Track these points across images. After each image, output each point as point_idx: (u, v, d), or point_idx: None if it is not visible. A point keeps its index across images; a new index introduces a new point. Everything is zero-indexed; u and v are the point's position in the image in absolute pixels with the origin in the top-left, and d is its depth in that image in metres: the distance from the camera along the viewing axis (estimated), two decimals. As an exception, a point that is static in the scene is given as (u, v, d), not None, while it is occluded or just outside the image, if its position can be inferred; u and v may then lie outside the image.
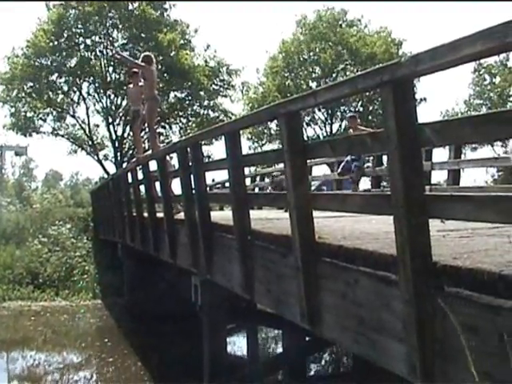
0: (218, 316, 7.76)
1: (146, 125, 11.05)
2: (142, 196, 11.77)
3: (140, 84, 11.19)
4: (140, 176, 11.54)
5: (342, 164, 11.40)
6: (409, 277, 3.32)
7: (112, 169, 33.01)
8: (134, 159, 11.80)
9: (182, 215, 8.61)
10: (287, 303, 5.23)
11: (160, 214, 10.21)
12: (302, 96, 4.22)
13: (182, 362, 10.50)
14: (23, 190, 61.65)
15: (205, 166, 7.35)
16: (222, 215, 7.39)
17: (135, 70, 11.31)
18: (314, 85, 36.29)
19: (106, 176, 32.48)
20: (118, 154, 31.75)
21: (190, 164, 7.55)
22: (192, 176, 7.43)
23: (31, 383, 10.98)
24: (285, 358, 10.65)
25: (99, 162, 33.00)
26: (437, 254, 3.45)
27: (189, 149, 7.51)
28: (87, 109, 31.60)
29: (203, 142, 9.80)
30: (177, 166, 9.00)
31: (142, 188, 11.73)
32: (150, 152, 11.07)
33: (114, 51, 16.18)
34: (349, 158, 11.39)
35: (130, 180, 12.60)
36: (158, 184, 10.17)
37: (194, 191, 7.60)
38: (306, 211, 4.59)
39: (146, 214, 11.27)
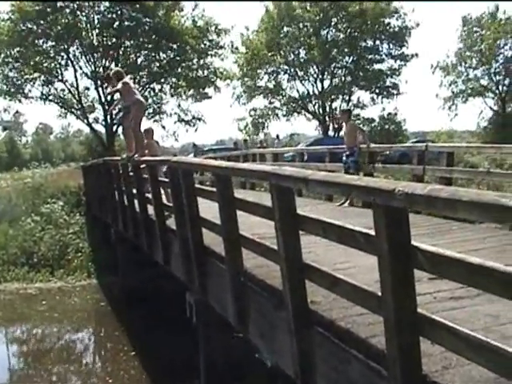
0: (213, 334, 7.84)
1: (132, 129, 10.97)
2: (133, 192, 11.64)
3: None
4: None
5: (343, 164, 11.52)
6: (400, 387, 3.38)
7: (102, 130, 32.97)
8: (125, 155, 11.66)
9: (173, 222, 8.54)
10: (281, 354, 5.23)
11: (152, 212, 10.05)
12: (295, 178, 4.18)
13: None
14: (14, 146, 61.44)
15: (196, 192, 7.26)
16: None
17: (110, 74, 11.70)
18: (313, 40, 35.95)
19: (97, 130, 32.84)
20: (108, 116, 31.50)
21: (180, 185, 7.47)
22: (184, 199, 7.37)
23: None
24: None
25: (89, 125, 32.80)
26: (426, 354, 3.50)
27: (180, 173, 7.43)
28: (75, 72, 31.30)
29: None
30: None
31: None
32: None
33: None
34: (344, 157, 11.47)
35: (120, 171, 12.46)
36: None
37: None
38: (298, 280, 4.59)
39: (137, 209, 11.14)
